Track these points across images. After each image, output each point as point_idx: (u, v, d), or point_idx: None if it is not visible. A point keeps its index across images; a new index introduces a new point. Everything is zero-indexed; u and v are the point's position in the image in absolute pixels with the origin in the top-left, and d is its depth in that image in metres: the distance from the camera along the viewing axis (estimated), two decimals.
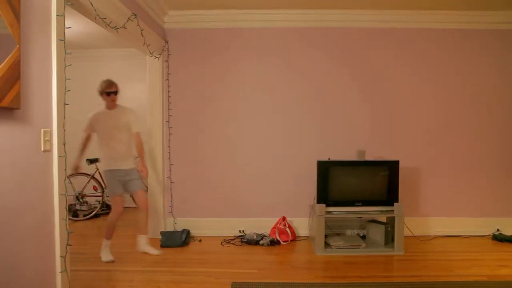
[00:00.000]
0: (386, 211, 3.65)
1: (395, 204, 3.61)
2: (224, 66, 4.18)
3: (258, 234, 3.96)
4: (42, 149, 2.07)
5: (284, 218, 4.01)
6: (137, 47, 3.74)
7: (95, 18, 2.68)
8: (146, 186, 4.03)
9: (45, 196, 2.10)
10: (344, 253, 3.54)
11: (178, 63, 4.18)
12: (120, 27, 3.01)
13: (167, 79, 4.17)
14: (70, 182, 5.10)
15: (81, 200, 5.24)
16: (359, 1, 3.80)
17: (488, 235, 4.08)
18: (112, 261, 3.35)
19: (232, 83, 4.20)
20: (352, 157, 3.96)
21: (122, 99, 5.81)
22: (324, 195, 3.64)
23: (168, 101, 4.18)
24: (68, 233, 2.24)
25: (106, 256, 3.39)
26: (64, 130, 2.22)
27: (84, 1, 2.44)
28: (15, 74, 1.78)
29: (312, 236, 3.78)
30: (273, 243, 3.82)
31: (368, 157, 3.90)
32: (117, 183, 3.42)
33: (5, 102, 1.72)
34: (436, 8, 3.96)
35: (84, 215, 5.05)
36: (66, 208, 2.24)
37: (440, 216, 4.16)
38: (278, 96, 4.17)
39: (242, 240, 3.92)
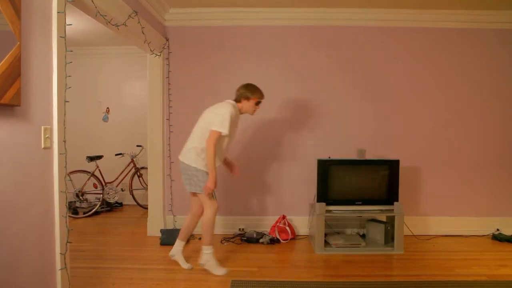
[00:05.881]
0: (386, 210, 3.65)
1: (395, 203, 3.61)
2: (225, 63, 4.18)
3: (258, 232, 3.96)
4: (43, 146, 2.07)
5: (284, 217, 4.01)
6: (138, 45, 3.73)
7: (96, 15, 2.68)
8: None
9: (45, 194, 2.11)
10: (343, 252, 3.54)
11: (179, 61, 4.18)
12: (121, 25, 3.00)
13: (168, 77, 4.16)
14: (70, 180, 5.10)
15: (81, 197, 5.25)
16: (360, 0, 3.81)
17: (488, 234, 4.08)
18: None
19: (233, 81, 4.18)
20: (353, 156, 3.96)
21: (122, 96, 5.87)
22: (324, 194, 3.64)
23: (169, 98, 4.18)
24: (68, 230, 2.24)
25: None
26: (65, 127, 2.22)
27: None
28: (15, 71, 1.78)
29: (312, 235, 3.78)
30: (273, 241, 3.82)
31: (369, 156, 3.90)
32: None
33: (6, 99, 1.71)
34: (437, 8, 3.95)
35: (84, 213, 5.06)
36: (66, 205, 2.24)
37: (440, 215, 4.17)
38: (279, 94, 4.16)
39: (242, 238, 3.92)
